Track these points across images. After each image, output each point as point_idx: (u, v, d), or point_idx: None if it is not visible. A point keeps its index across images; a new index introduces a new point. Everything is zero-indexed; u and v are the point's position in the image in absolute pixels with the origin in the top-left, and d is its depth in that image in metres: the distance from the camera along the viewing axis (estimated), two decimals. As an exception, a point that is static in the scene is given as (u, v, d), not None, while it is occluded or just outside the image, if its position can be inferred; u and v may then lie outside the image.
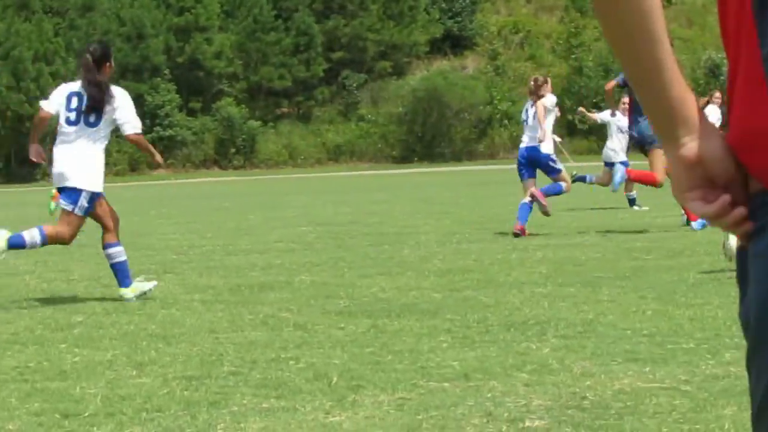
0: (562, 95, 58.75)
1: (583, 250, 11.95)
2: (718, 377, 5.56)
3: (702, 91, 55.10)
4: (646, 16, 1.55)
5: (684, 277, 9.24)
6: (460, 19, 66.58)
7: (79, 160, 8.98)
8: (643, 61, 1.57)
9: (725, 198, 1.56)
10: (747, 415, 4.71)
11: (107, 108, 9.00)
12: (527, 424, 4.86)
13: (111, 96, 9.03)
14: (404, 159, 61.00)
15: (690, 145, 1.56)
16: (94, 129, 9.02)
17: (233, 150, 61.29)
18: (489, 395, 5.38)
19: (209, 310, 8.40)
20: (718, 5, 1.60)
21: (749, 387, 1.59)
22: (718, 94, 19.80)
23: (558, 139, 16.13)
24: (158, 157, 9.74)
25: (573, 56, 60.83)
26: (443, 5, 66.26)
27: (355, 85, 64.32)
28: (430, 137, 60.73)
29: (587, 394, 5.32)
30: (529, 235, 13.90)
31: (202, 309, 8.45)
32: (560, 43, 64.47)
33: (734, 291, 6.61)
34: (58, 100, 9.14)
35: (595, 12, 1.59)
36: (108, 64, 9.19)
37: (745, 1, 1.52)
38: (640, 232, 13.87)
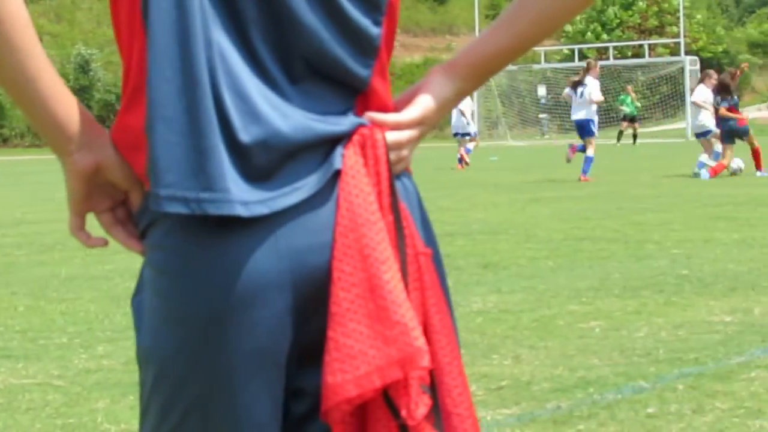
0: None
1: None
2: (91, 371, 5.60)
3: (72, 87, 54.99)
4: (8, 28, 1.46)
5: (56, 272, 9.19)
6: None
7: None
8: (16, 75, 1.49)
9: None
10: (119, 407, 4.79)
11: None
12: None
13: None
14: None
15: (84, 155, 1.53)
16: None
17: None
18: None
19: None
20: (111, 8, 1.58)
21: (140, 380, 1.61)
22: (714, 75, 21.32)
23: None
24: None
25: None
26: None
27: None
28: None
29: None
30: None
31: None
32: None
33: (106, 285, 6.65)
34: None
35: None
36: None
37: (136, 8, 1.52)
38: (12, 227, 13.60)
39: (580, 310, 6.93)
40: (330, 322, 1.50)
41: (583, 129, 20.92)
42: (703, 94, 21.04)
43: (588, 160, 20.50)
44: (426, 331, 1.55)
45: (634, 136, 43.85)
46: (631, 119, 43.39)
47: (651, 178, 20.20)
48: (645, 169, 23.42)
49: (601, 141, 50.63)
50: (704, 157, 20.49)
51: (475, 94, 55.70)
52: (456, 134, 27.92)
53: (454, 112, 26.95)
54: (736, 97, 20.68)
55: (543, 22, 1.65)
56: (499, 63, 1.68)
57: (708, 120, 20.69)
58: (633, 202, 14.83)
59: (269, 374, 1.53)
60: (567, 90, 21.76)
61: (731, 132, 20.10)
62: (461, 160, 27.30)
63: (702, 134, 20.99)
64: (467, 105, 27.51)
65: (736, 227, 11.23)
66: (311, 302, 1.52)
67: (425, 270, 1.57)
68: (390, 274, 1.50)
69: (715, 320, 6.48)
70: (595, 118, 21.17)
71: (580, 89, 20.88)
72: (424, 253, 1.58)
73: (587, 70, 21.17)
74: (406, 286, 1.53)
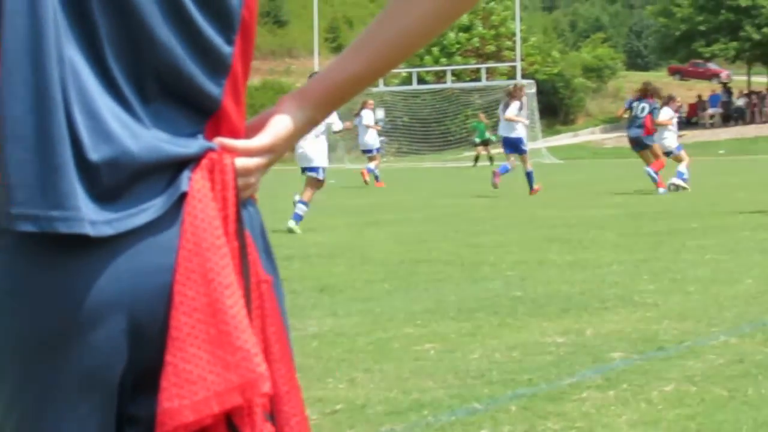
0: None
1: None
2: None
3: None
4: None
5: None
6: None
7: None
8: None
9: None
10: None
11: None
12: None
13: None
14: None
15: None
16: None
17: None
18: None
19: None
20: None
21: None
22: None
23: None
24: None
25: None
26: None
27: None
28: None
29: None
30: None
31: None
32: None
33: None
34: None
35: None
36: None
37: None
38: None
39: (415, 333, 6.96)
40: (169, 347, 1.48)
41: (515, 146, 22.21)
42: (667, 114, 22.55)
43: (529, 175, 21.98)
44: (266, 359, 1.54)
45: (490, 159, 45.55)
46: (485, 143, 45.51)
47: (487, 201, 20.49)
48: (480, 191, 23.76)
49: (439, 164, 51.40)
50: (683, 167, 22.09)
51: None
52: (365, 151, 30.37)
53: (360, 129, 29.58)
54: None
55: (394, 48, 1.67)
56: (351, 90, 1.69)
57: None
58: (469, 225, 15.01)
59: (100, 398, 1.50)
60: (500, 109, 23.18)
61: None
62: (371, 176, 29.21)
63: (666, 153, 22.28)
64: (370, 120, 29.59)
65: (569, 249, 11.46)
66: (150, 326, 1.50)
67: (266, 298, 1.58)
68: (233, 300, 1.49)
69: (548, 341, 6.57)
70: (524, 136, 22.55)
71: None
72: (266, 281, 1.58)
73: (514, 92, 22.77)
74: (249, 313, 1.52)
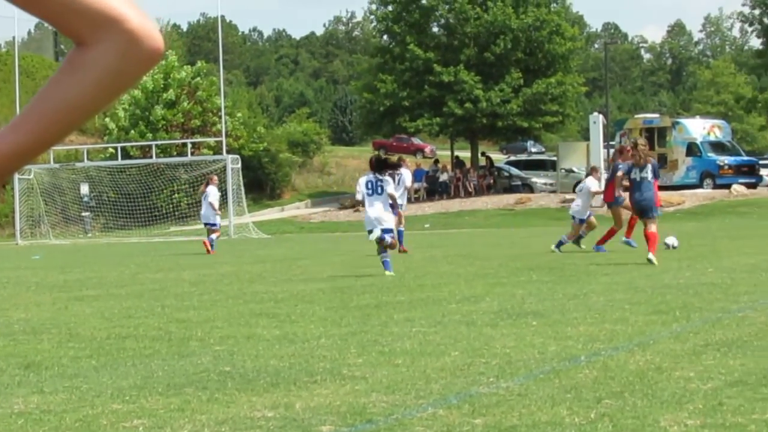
0: None
1: None
2: None
3: None
4: None
5: None
6: None
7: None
8: None
9: None
10: None
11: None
12: None
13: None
14: None
15: None
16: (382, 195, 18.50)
17: None
18: None
19: None
20: None
21: None
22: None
23: None
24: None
25: None
26: None
27: None
28: None
29: None
30: None
31: None
32: None
33: None
34: (361, 188, 18.67)
35: None
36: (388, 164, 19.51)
37: None
38: None
39: (123, 409, 6.86)
40: None
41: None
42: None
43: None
44: None
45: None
46: None
47: (194, 276, 20.38)
48: (187, 266, 23.63)
49: (145, 239, 50.71)
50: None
51: (17, 191, 54.37)
52: (206, 224, 32.44)
53: (204, 204, 32.22)
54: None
55: (56, 122, 1.66)
56: (16, 161, 1.67)
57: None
58: (176, 300, 14.90)
59: None
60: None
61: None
62: (206, 246, 31.16)
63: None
64: (215, 198, 31.95)
65: (278, 323, 11.53)
66: None
67: None
68: None
69: (257, 416, 6.60)
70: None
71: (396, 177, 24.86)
72: None
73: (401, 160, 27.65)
74: None
